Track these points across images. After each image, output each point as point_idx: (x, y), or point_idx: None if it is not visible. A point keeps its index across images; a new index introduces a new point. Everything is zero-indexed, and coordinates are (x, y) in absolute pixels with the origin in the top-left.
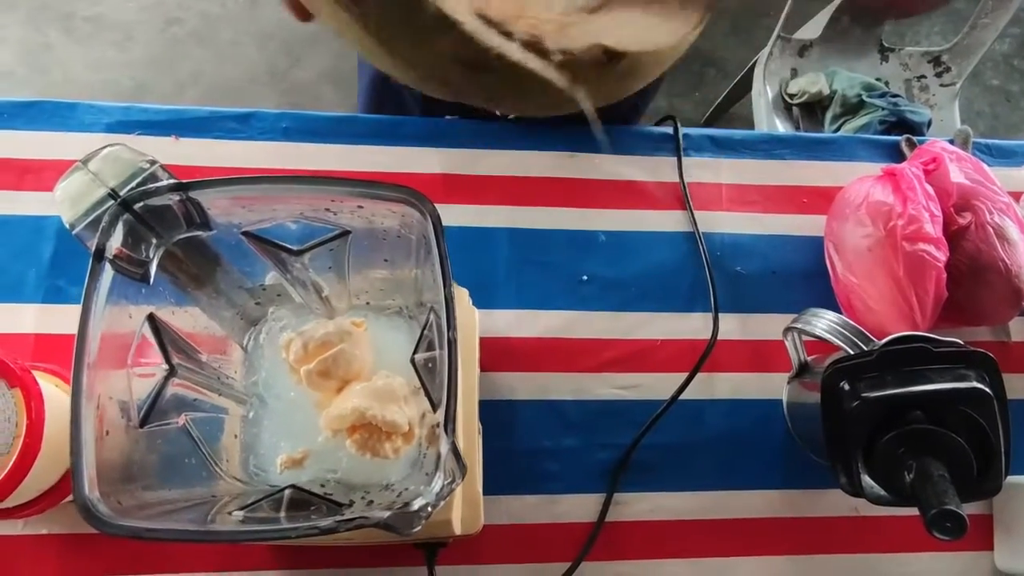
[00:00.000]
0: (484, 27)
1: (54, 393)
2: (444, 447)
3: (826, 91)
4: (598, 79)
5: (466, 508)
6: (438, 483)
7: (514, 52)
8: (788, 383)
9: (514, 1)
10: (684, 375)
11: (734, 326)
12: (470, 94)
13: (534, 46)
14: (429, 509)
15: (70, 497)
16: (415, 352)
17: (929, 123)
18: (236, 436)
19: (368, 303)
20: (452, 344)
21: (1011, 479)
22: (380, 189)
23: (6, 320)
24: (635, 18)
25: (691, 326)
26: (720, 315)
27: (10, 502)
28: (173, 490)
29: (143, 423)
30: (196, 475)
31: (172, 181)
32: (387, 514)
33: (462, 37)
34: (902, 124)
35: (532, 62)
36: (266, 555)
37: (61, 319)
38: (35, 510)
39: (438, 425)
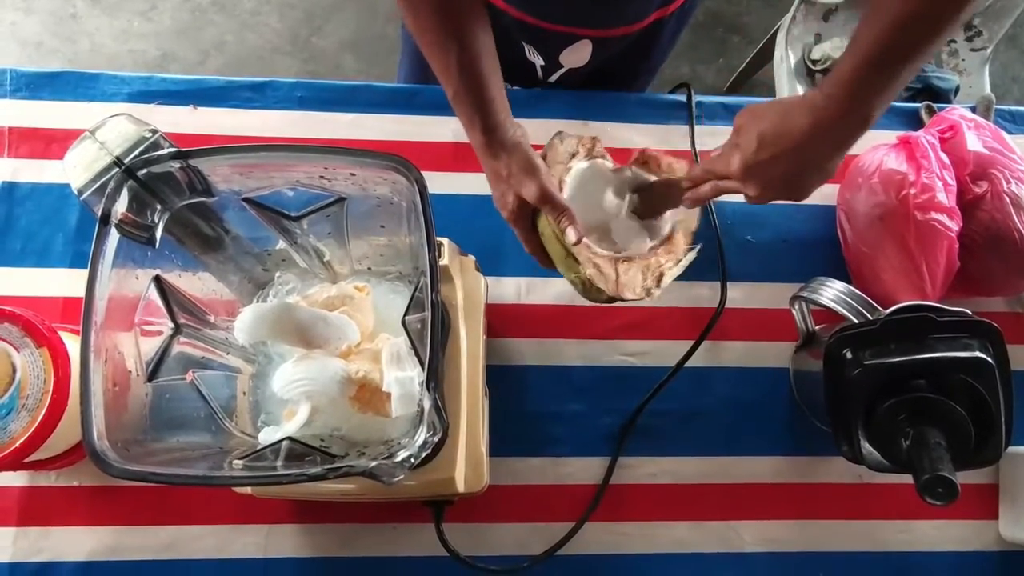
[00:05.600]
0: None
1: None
2: (427, 402)
3: None
4: None
5: (469, 467)
6: (421, 436)
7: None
8: (795, 352)
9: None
10: (691, 342)
11: (743, 294)
12: None
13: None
14: (412, 460)
15: None
16: (406, 314)
17: (957, 89)
18: (244, 393)
19: (370, 268)
20: (435, 306)
21: (1017, 449)
22: (368, 157)
23: (36, 284)
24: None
25: (700, 294)
26: (729, 283)
27: (41, 454)
28: (183, 440)
29: (151, 378)
30: (205, 428)
31: (173, 149)
32: (372, 464)
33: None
34: (928, 91)
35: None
36: (282, 510)
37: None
38: (65, 462)
39: (423, 383)
